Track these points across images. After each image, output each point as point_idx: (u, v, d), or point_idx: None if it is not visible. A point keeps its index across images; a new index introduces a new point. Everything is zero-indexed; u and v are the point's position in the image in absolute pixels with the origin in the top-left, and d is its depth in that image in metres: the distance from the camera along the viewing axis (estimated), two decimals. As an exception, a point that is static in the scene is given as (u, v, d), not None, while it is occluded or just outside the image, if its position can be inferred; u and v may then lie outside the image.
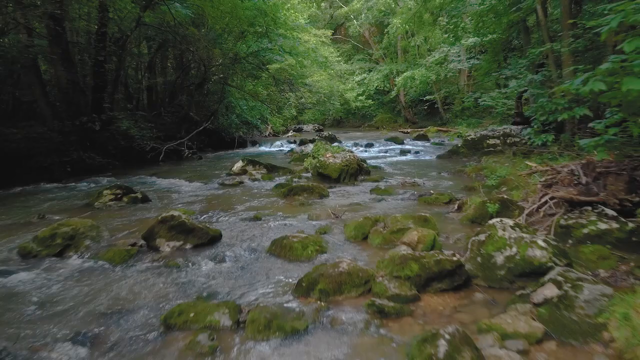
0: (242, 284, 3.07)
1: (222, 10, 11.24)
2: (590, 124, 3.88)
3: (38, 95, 8.76)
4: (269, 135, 18.83)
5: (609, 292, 2.45)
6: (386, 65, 24.80)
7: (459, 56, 18.01)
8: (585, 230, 3.32)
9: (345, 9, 25.02)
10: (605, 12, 3.37)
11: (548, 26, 8.16)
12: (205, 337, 2.33)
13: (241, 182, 7.13)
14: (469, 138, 10.58)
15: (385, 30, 22.47)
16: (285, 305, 2.71)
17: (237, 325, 2.48)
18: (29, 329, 2.48)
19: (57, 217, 4.75)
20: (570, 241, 3.38)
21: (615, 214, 3.35)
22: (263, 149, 14.41)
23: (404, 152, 11.67)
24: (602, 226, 3.27)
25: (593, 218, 3.37)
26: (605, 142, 3.37)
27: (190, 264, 3.45)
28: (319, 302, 2.73)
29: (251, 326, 2.44)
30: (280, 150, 13.78)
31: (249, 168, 7.89)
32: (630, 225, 3.20)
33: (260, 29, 12.77)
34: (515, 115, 10.79)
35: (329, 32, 23.85)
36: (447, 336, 2.09)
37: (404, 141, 14.29)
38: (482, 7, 9.46)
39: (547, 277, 2.69)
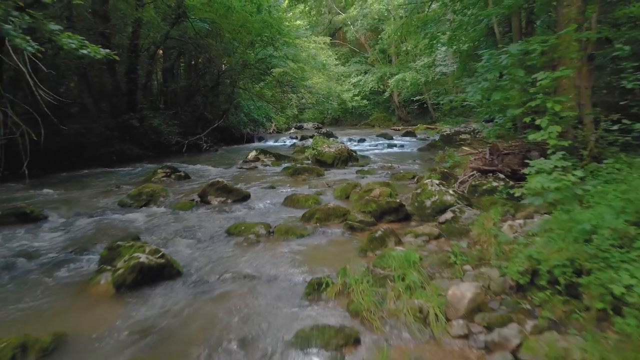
0: (268, 217, 4.97)
1: (235, 24, 13.13)
2: (496, 120, 5.74)
3: (86, 97, 10.64)
4: (273, 132, 20.76)
5: (479, 212, 4.36)
6: (380, 67, 26.74)
7: (444, 61, 19.89)
8: (484, 187, 5.22)
9: (343, 15, 26.95)
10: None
11: (505, 43, 10.03)
12: (253, 236, 4.23)
13: (255, 167, 9.03)
14: (444, 134, 12.49)
15: (379, 36, 24.41)
16: (296, 225, 4.59)
17: (269, 233, 4.37)
18: (151, 234, 4.37)
19: (129, 187, 6.63)
20: (476, 194, 5.28)
21: (504, 177, 5.24)
22: (269, 143, 16.30)
23: (390, 146, 13.57)
24: (494, 184, 5.16)
25: (490, 180, 5.27)
26: (496, 131, 5.27)
27: (233, 209, 5.35)
28: (316, 224, 4.62)
29: (277, 233, 4.34)
30: (284, 144, 15.67)
31: (261, 156, 9.78)
32: (511, 183, 5.09)
33: (266, 39, 14.65)
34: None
35: (328, 39, 25.75)
36: (382, 230, 3.99)
37: (393, 137, 16.16)
38: (454, 23, 11.35)
39: (449, 209, 4.59)
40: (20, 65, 5.59)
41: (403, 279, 2.86)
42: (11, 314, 2.77)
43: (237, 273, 3.35)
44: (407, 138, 16.22)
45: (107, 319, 2.67)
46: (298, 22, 21.02)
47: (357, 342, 2.33)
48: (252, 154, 9.98)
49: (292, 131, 22.22)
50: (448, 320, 2.47)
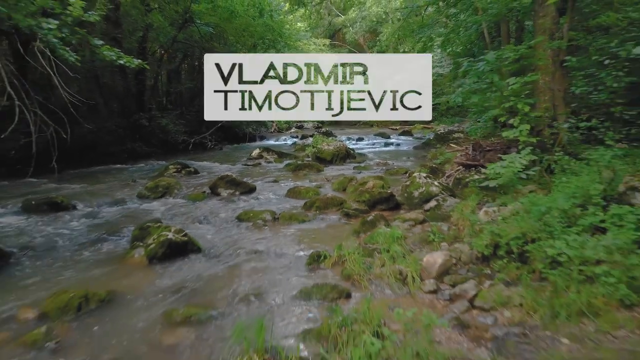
0: (273, 206, 5.55)
1: (238, 28, 13.71)
2: (478, 120, 6.33)
3: (98, 98, 11.22)
4: (274, 131, 21.32)
5: (459, 201, 4.95)
6: (379, 68, 27.36)
7: (441, 62, 20.44)
8: (466, 180, 5.81)
9: (342, 17, 27.55)
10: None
11: (494, 47, 10.61)
12: (260, 222, 4.82)
13: (259, 164, 9.62)
14: (439, 132, 13.09)
15: (378, 37, 25.00)
16: (298, 212, 5.18)
17: (275, 219, 4.95)
18: (170, 220, 4.96)
19: (144, 181, 7.21)
20: (459, 186, 5.88)
21: (485, 170, 5.82)
22: (271, 142, 16.85)
23: (387, 144, 14.16)
24: (475, 177, 5.74)
25: (472, 173, 5.86)
26: (477, 130, 5.86)
27: (241, 200, 5.94)
28: (315, 211, 5.21)
29: (282, 219, 4.92)
30: (285, 143, 16.23)
31: (264, 154, 10.37)
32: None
33: (268, 42, 15.24)
34: (477, 114, 13.26)
35: (327, 41, 26.35)
36: (373, 215, 4.58)
37: (390, 136, 16.74)
38: (447, 27, 11.95)
39: (434, 198, 5.18)
40: (48, 69, 6.18)
41: (388, 251, 3.45)
42: (64, 280, 3.36)
43: (248, 250, 3.94)
44: (404, 137, 16.80)
45: (144, 282, 3.26)
46: (299, 24, 21.60)
47: (348, 296, 2.91)
48: (256, 151, 10.57)
49: (292, 130, 22.77)
50: (422, 280, 3.06)
